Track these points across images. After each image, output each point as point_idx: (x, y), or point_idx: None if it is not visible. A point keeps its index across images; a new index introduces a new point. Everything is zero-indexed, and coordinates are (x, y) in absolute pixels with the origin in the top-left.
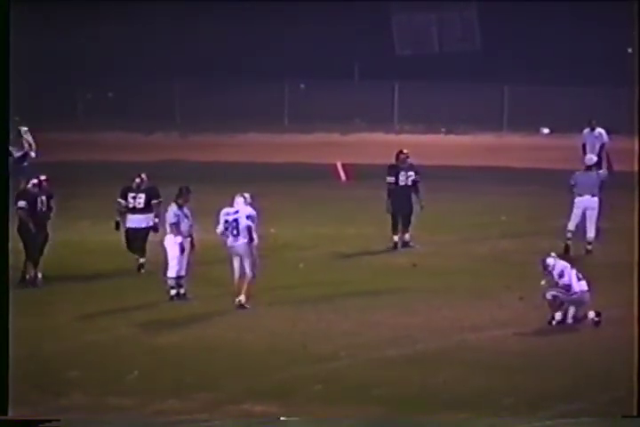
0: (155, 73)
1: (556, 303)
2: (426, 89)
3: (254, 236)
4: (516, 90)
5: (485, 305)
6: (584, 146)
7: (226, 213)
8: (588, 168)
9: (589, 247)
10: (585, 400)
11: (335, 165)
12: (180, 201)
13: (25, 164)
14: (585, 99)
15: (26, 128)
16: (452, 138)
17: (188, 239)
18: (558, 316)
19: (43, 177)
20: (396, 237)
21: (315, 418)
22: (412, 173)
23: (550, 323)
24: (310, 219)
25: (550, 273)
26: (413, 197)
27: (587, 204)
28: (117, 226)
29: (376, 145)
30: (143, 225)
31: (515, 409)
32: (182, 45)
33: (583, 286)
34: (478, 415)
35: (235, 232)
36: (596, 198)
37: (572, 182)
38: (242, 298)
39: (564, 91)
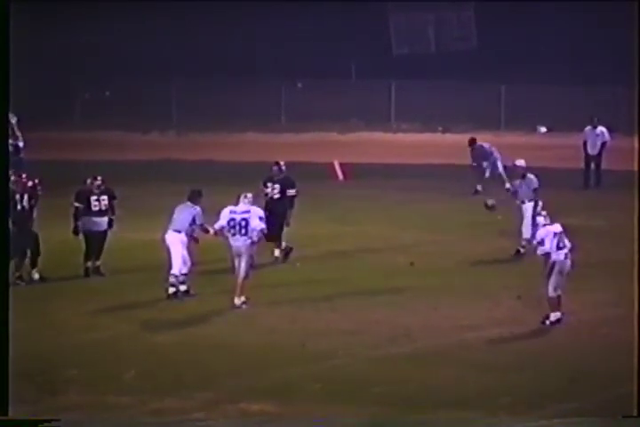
0: (152, 72)
1: (556, 302)
2: (423, 88)
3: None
4: (513, 89)
5: (483, 304)
6: (585, 144)
7: (232, 212)
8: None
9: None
10: (584, 400)
11: (333, 165)
12: (196, 202)
13: (21, 155)
14: (582, 98)
15: (14, 119)
16: (449, 137)
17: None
18: (553, 317)
19: (24, 175)
20: (276, 251)
21: (313, 417)
22: (277, 186)
23: (544, 322)
24: (308, 218)
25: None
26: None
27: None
28: (77, 231)
29: (373, 144)
30: (105, 227)
31: (513, 409)
32: (180, 45)
33: (560, 255)
34: (477, 414)
35: (243, 231)
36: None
37: (513, 190)
38: (235, 301)
39: (561, 90)
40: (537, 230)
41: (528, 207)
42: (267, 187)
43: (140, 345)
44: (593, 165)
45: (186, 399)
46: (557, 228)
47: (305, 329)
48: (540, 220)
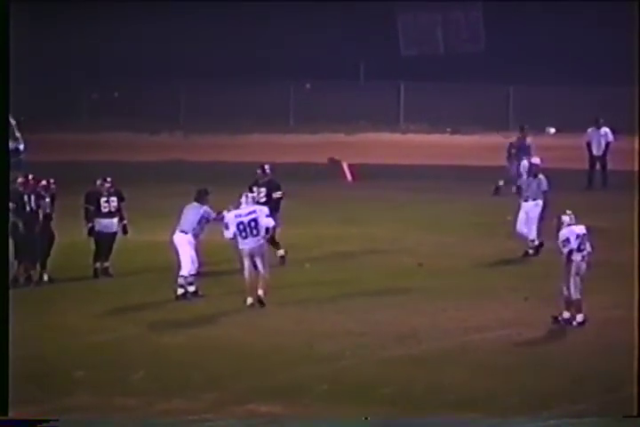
0: (160, 73)
1: (580, 304)
2: (431, 89)
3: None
4: (522, 90)
5: (490, 305)
6: (589, 144)
7: (237, 215)
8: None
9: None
10: (587, 400)
11: (341, 166)
12: (203, 202)
13: (20, 157)
14: (590, 98)
15: (14, 121)
16: (458, 138)
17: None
18: (566, 315)
19: (30, 176)
20: (279, 252)
21: (320, 418)
22: (263, 190)
23: (556, 319)
24: (315, 219)
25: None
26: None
27: (529, 208)
28: (91, 232)
29: (382, 145)
30: (115, 229)
31: (518, 409)
32: (188, 46)
33: (578, 256)
34: (482, 415)
35: (254, 232)
36: (538, 202)
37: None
38: (260, 293)
39: (570, 90)
40: (561, 230)
41: (531, 206)
42: (252, 191)
43: (147, 346)
44: (598, 166)
45: (193, 400)
46: (582, 229)
47: (311, 330)
48: (566, 219)
